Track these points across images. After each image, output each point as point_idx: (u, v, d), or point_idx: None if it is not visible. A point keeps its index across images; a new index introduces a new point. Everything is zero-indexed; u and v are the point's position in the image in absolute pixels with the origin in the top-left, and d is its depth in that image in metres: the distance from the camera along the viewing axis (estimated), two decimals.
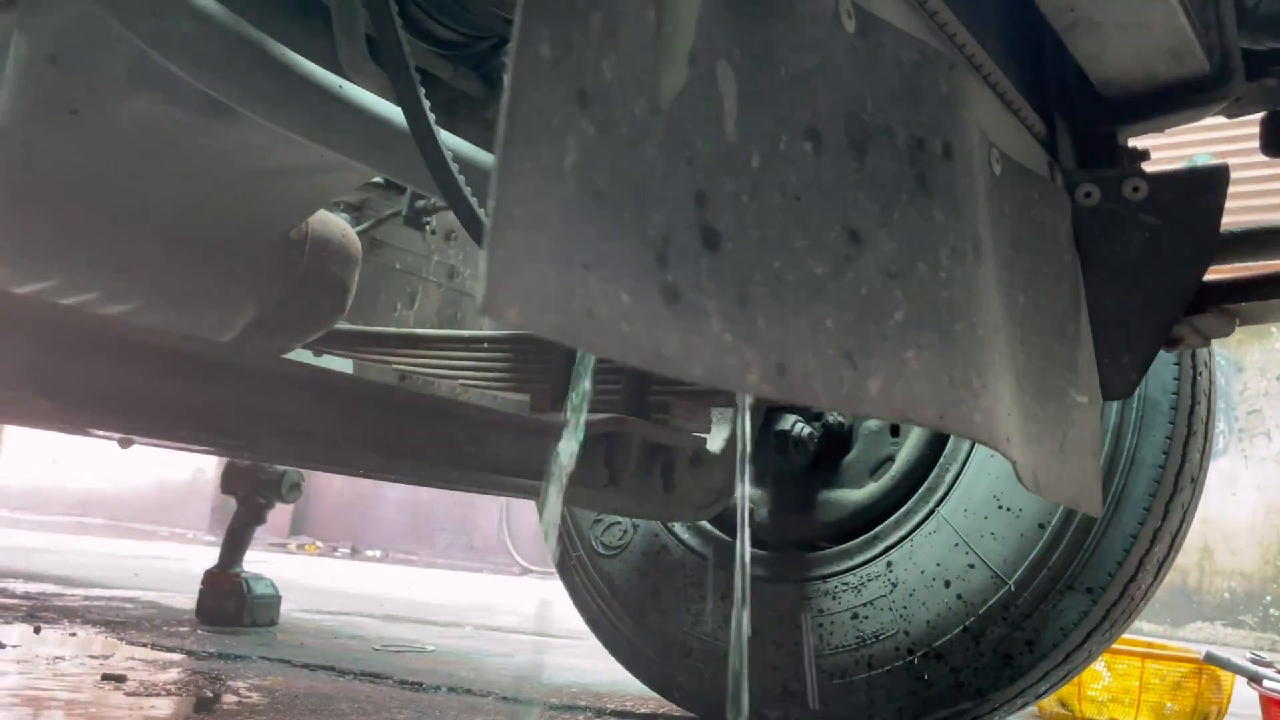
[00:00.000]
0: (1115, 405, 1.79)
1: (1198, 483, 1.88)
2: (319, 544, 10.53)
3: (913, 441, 2.04)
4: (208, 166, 1.42)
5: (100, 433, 1.11)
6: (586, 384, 0.83)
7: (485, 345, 1.91)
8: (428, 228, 2.46)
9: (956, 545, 1.87)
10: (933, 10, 0.91)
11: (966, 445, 1.93)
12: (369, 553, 10.47)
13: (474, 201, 1.04)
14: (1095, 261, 1.09)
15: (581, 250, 0.52)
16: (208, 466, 10.51)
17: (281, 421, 1.28)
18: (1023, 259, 0.97)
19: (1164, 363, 1.80)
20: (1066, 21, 1.02)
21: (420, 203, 2.10)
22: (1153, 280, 1.09)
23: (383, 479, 1.44)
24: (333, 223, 1.77)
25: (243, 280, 1.61)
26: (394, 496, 10.88)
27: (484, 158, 1.15)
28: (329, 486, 10.94)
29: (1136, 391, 1.76)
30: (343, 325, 2.00)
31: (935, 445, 1.99)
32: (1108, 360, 1.08)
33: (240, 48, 0.93)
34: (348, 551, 10.36)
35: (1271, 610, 7.19)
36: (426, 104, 0.99)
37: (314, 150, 1.44)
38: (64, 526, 9.27)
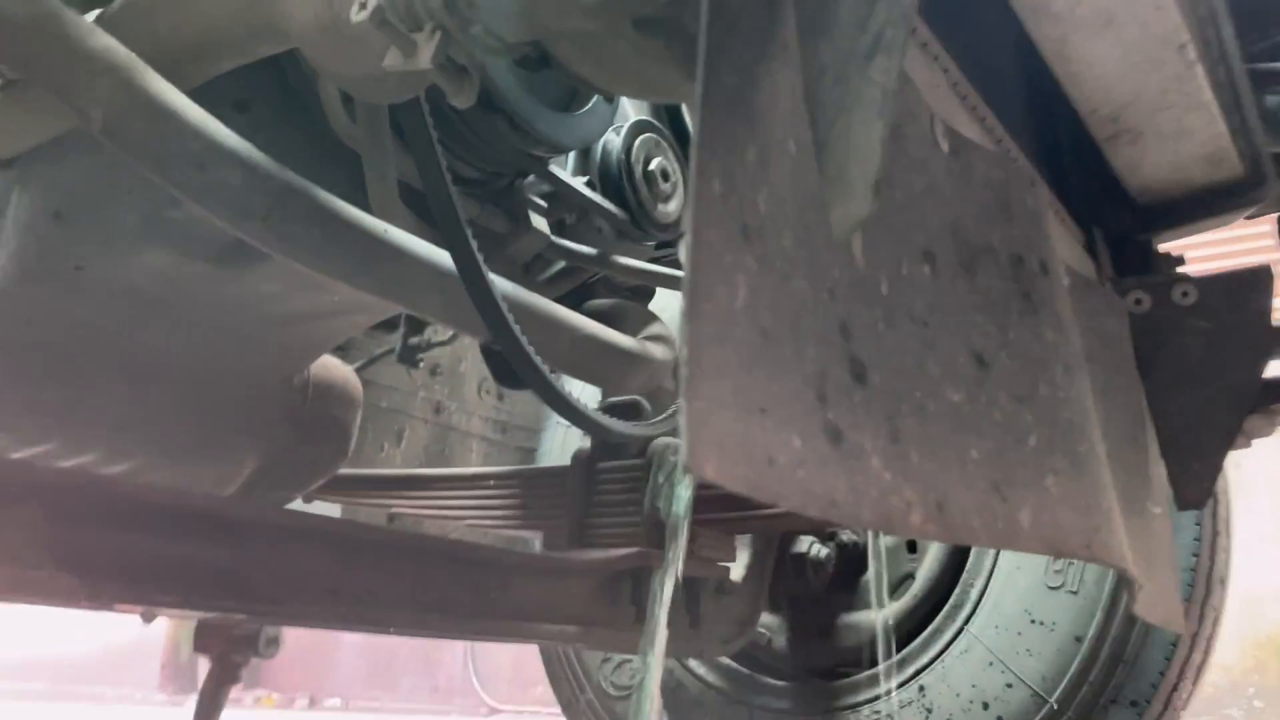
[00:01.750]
0: None
1: (1225, 584, 1.85)
2: (275, 696, 10.08)
3: (932, 556, 1.99)
4: (217, 316, 1.37)
5: (125, 607, 1.03)
6: (682, 539, 0.78)
7: (490, 482, 1.85)
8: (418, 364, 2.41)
9: (991, 664, 1.81)
10: (990, 128, 0.91)
11: (990, 558, 1.89)
12: (329, 702, 10.03)
13: (523, 340, 1.00)
14: (1154, 369, 1.08)
15: (757, 394, 0.48)
16: (156, 621, 10.05)
17: (309, 581, 1.21)
18: (1095, 371, 0.95)
19: None
20: (1109, 133, 1.03)
21: (414, 339, 2.06)
22: (1213, 384, 1.07)
23: (410, 635, 1.36)
24: (334, 366, 1.71)
25: (246, 430, 1.54)
26: (353, 640, 10.48)
27: (523, 295, 1.12)
28: (284, 633, 10.51)
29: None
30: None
31: (956, 559, 1.95)
32: (1178, 469, 1.06)
33: (286, 197, 0.90)
34: (306, 703, 9.93)
35: (1255, 702, 7.13)
36: (474, 244, 0.96)
37: (327, 295, 1.40)
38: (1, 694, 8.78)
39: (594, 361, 1.20)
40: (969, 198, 0.72)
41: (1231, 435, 1.07)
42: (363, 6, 0.62)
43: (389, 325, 2.23)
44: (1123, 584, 0.86)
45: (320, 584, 1.22)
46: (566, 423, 2.55)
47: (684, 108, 1.45)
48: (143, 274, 1.27)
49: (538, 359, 0.99)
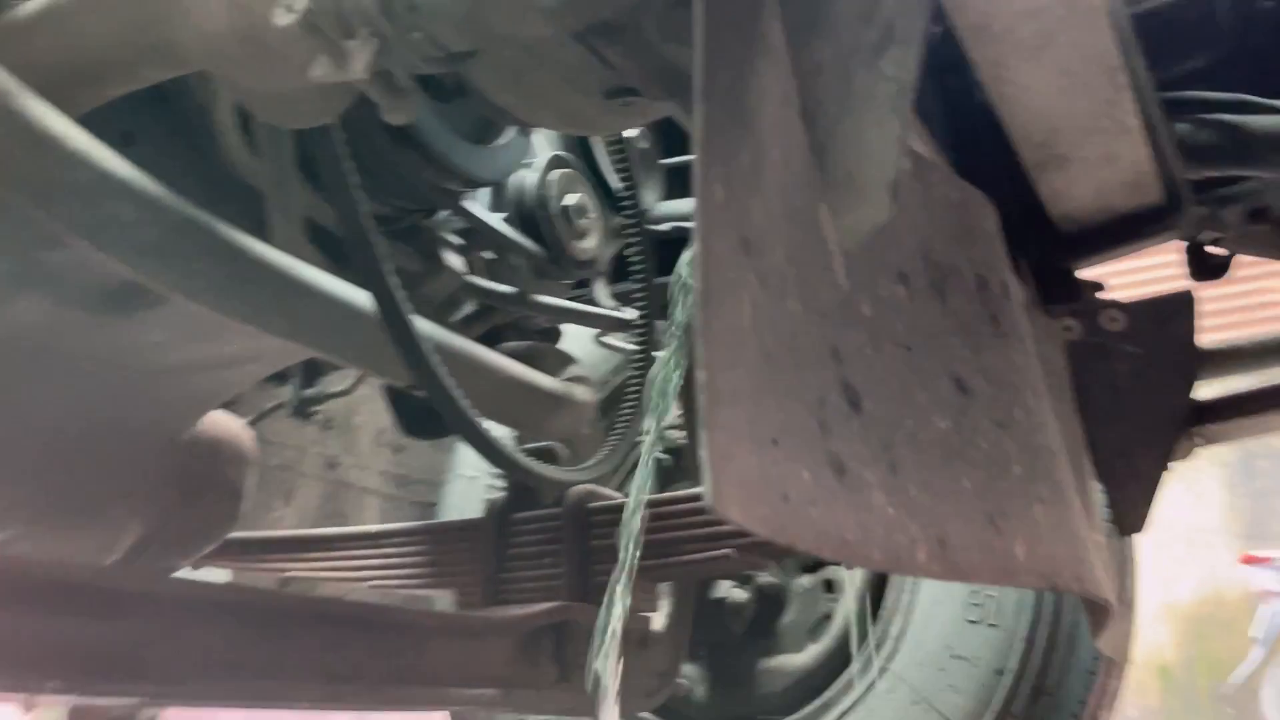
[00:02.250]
0: None
1: (1134, 609, 1.87)
2: None
3: (850, 595, 1.97)
4: (97, 369, 1.25)
5: (2, 695, 0.92)
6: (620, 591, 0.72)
7: (396, 539, 1.75)
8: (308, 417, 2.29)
9: (916, 702, 1.78)
10: (934, 151, 0.89)
11: (908, 595, 1.87)
12: None
13: (452, 384, 0.93)
14: (1087, 395, 1.07)
15: (768, 423, 0.43)
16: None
17: (208, 657, 1.10)
18: None
19: None
20: (1038, 159, 1.02)
21: (308, 391, 1.95)
22: (1145, 408, 1.07)
23: (320, 709, 1.26)
24: (224, 421, 1.60)
25: (129, 493, 1.42)
26: (230, 715, 9.98)
27: (444, 336, 1.05)
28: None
29: None
30: None
31: (874, 597, 1.93)
32: (1117, 494, 1.05)
33: (186, 231, 0.82)
34: None
35: None
36: (395, 281, 0.90)
37: (220, 344, 1.30)
38: None
39: (518, 405, 1.14)
40: (933, 218, 0.70)
41: (1166, 459, 1.07)
42: (289, 10, 0.56)
43: (280, 377, 2.11)
44: (1089, 614, 0.84)
45: (220, 659, 1.11)
46: (469, 475, 2.46)
47: (593, 143, 1.41)
48: (13, 324, 1.16)
49: (465, 404, 0.92)
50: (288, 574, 1.84)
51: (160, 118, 1.06)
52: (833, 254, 0.56)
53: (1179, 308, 1.09)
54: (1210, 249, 1.36)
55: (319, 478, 2.43)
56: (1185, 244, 1.39)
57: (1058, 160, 1.03)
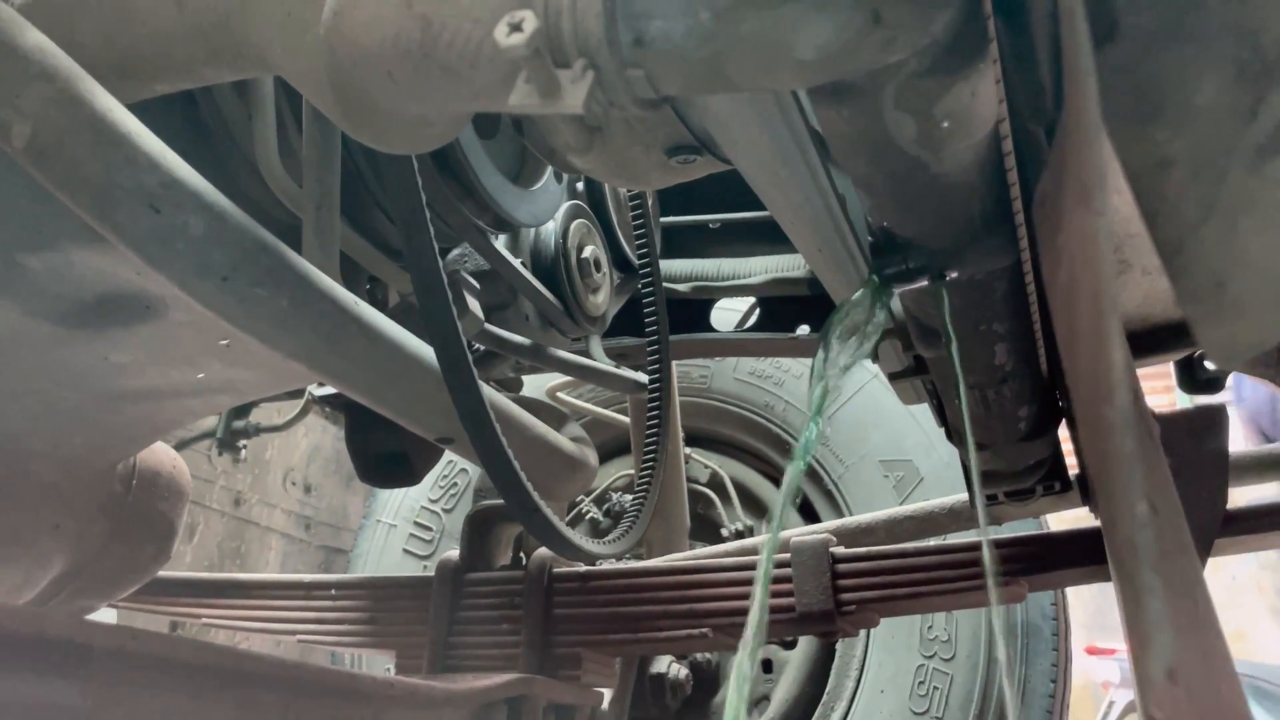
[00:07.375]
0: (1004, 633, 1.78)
1: (1068, 709, 1.89)
2: None
3: (789, 678, 1.92)
4: (52, 387, 1.12)
5: None
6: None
7: (332, 591, 1.63)
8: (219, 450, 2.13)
9: None
10: None
11: (852, 682, 1.84)
12: None
13: (504, 443, 0.85)
14: None
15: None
16: None
17: None
18: None
19: None
20: None
21: (238, 423, 1.81)
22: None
23: None
24: (162, 452, 1.46)
25: (57, 525, 1.27)
26: None
27: (485, 391, 0.97)
28: None
29: (1019, 618, 1.76)
30: None
31: (816, 682, 1.89)
32: None
33: (254, 253, 0.72)
34: None
35: None
36: (461, 331, 0.82)
37: (193, 370, 1.18)
38: None
39: (540, 466, 1.06)
40: None
41: (1202, 568, 1.06)
42: (516, 29, 0.49)
43: None
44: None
45: None
46: (389, 522, 2.33)
47: (605, 194, 1.35)
48: None
49: (517, 464, 0.85)
50: (205, 620, 1.68)
51: (181, 124, 0.96)
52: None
53: (1214, 421, 1.09)
54: (1207, 363, 1.38)
55: (224, 513, 2.26)
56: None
57: (1120, 266, 1.02)
